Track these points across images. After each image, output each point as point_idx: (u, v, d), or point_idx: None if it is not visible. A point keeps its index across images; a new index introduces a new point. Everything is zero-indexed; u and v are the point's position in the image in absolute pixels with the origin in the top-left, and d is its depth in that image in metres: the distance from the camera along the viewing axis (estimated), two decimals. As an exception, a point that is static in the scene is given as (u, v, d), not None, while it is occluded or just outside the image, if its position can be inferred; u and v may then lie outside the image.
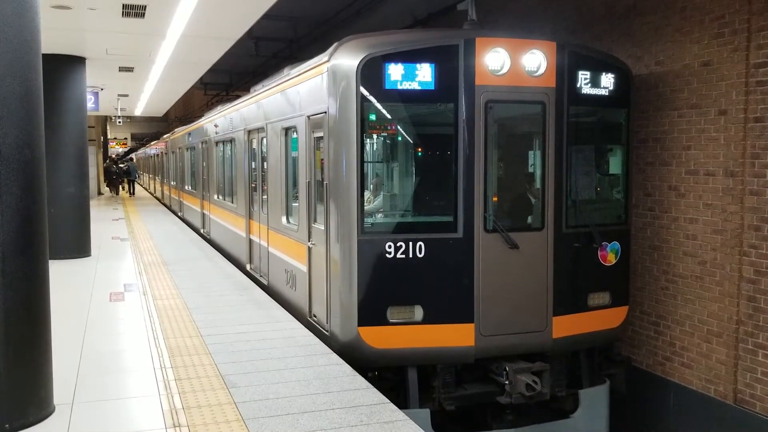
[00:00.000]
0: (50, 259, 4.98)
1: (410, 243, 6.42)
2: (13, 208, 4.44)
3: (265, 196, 9.85)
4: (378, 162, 7.12)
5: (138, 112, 26.69)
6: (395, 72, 6.36)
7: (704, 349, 7.60)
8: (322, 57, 7.03)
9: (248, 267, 10.89)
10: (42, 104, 4.78)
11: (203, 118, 16.84)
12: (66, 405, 4.99)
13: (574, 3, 9.36)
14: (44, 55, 4.92)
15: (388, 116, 6.62)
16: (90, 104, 15.31)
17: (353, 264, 6.41)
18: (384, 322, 6.42)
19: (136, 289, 9.28)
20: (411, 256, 6.43)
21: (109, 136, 49.37)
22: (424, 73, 6.39)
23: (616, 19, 8.65)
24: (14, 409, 4.46)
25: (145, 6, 8.71)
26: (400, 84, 6.37)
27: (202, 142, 16.54)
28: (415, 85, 6.39)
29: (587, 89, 7.00)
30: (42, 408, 4.70)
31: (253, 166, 10.81)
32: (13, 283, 4.44)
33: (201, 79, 17.16)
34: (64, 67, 12.11)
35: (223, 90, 22.98)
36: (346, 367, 5.87)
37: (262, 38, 15.06)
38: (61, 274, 10.34)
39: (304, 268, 7.69)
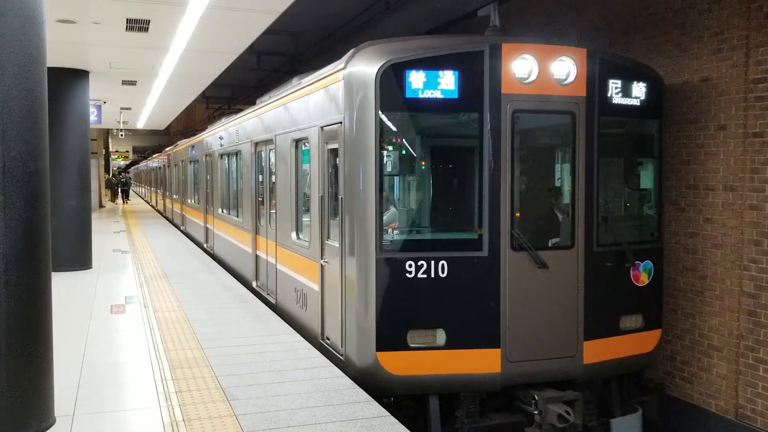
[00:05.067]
0: (52, 271, 4.99)
1: (432, 262, 6.01)
2: (16, 220, 4.47)
3: (273, 211, 9.50)
4: (397, 175, 6.62)
5: (140, 125, 26.80)
6: (416, 80, 5.98)
7: (705, 363, 7.59)
8: (338, 64, 6.65)
9: (254, 284, 10.54)
10: (47, 117, 4.82)
11: (207, 131, 16.62)
12: (67, 417, 4.99)
13: (573, 19, 9.43)
14: (48, 69, 4.97)
15: (409, 127, 6.29)
16: (93, 117, 15.37)
17: (371, 284, 6.01)
18: (404, 346, 6.00)
19: (137, 302, 9.29)
20: (433, 275, 6.02)
21: (111, 149, 49.49)
22: (447, 81, 6.02)
23: (615, 35, 8.72)
24: (15, 420, 4.47)
25: (149, 20, 8.79)
26: (422, 92, 5.99)
27: (205, 155, 16.24)
28: (437, 94, 6.01)
29: (618, 99, 6.62)
30: (43, 419, 4.70)
31: (260, 180, 10.44)
32: (16, 294, 4.46)
33: (203, 92, 17.26)
34: (67, 81, 12.20)
35: (225, 104, 23.08)
36: (347, 380, 5.87)
37: (264, 53, 15.13)
38: (62, 286, 10.35)
39: (316, 288, 7.28)
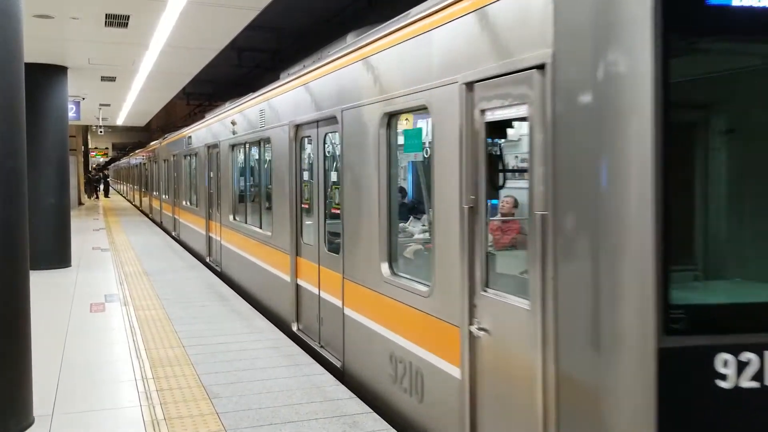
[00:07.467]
0: (30, 269, 4.94)
1: (766, 353, 2.98)
2: (-7, 218, 4.42)
3: (328, 222, 6.73)
4: (698, 167, 3.59)
5: (120, 121, 26.58)
6: None
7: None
8: None
9: (295, 327, 7.55)
10: (24, 114, 4.76)
11: (209, 118, 13.64)
12: (46, 416, 4.94)
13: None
14: (26, 65, 4.91)
15: (713, 67, 3.41)
16: (71, 114, 15.23)
17: (647, 402, 2.91)
18: None
19: (117, 300, 9.22)
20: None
21: (90, 146, 49.05)
22: None
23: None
24: (-7, 420, 4.42)
25: (128, 16, 8.72)
26: None
27: (208, 147, 13.16)
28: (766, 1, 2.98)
29: None
30: (21, 419, 4.64)
31: (306, 178, 7.53)
32: (-7, 293, 4.41)
33: (183, 89, 17.15)
34: (45, 77, 12.09)
35: (206, 100, 22.97)
36: (329, 377, 5.87)
37: (245, 49, 15.10)
38: (41, 284, 10.22)
39: (454, 371, 4.17)
